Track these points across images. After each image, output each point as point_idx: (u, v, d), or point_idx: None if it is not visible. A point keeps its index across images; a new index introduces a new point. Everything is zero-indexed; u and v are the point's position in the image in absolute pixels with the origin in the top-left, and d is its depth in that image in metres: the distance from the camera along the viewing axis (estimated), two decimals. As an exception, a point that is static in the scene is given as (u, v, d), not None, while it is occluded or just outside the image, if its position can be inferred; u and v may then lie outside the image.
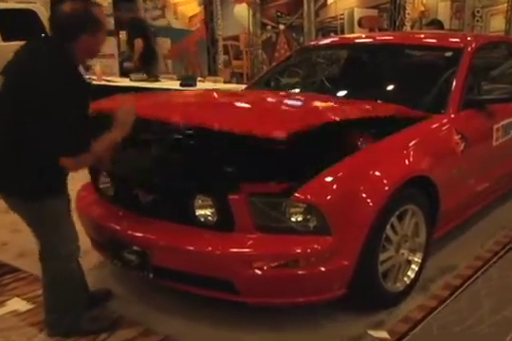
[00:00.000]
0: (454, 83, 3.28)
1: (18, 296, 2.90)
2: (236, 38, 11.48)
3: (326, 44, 4.50)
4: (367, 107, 2.99)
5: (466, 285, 2.97)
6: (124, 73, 7.41)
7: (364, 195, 2.47)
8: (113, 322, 2.61)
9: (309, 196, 2.35)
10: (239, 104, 3.19)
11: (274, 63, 5.38)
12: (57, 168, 2.22)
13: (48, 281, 2.44)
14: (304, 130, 2.33)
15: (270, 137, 2.26)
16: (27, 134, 2.17)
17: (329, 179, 2.44)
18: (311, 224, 2.37)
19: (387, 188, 2.52)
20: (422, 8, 9.92)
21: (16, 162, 2.25)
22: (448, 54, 3.58)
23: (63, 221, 2.38)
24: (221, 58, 10.52)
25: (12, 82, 2.19)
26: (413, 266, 2.89)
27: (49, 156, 2.18)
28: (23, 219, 2.38)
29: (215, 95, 3.75)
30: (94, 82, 6.03)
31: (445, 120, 3.13)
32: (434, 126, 3.08)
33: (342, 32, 10.05)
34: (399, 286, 2.80)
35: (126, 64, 7.57)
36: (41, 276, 2.51)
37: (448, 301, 2.81)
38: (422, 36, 4.33)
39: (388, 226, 2.60)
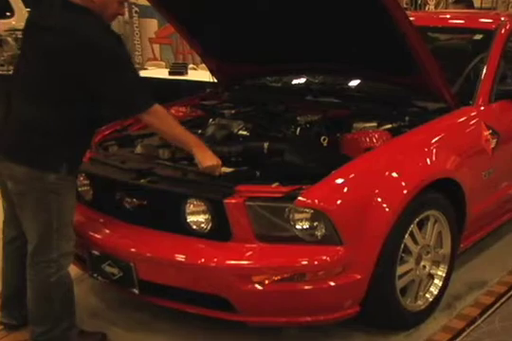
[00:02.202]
0: (484, 71, 3.31)
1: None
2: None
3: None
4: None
5: (498, 304, 3.00)
6: None
7: (379, 200, 2.50)
8: (103, 338, 2.70)
9: (316, 201, 2.38)
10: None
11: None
12: (86, 144, 2.56)
13: (36, 289, 2.50)
14: None
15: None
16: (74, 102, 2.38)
17: (339, 181, 2.48)
18: (319, 233, 2.40)
19: (405, 191, 2.56)
20: (449, -16, 9.94)
21: (47, 131, 2.39)
22: (478, 37, 3.62)
23: (68, 209, 2.49)
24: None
25: (55, 51, 2.32)
26: (437, 281, 2.92)
27: (85, 129, 2.48)
28: (23, 200, 2.45)
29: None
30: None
31: (473, 113, 3.16)
32: (461, 120, 3.11)
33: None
34: (420, 304, 2.84)
35: None
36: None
37: (478, 322, 2.83)
38: (448, 16, 4.39)
39: (406, 235, 2.64)
